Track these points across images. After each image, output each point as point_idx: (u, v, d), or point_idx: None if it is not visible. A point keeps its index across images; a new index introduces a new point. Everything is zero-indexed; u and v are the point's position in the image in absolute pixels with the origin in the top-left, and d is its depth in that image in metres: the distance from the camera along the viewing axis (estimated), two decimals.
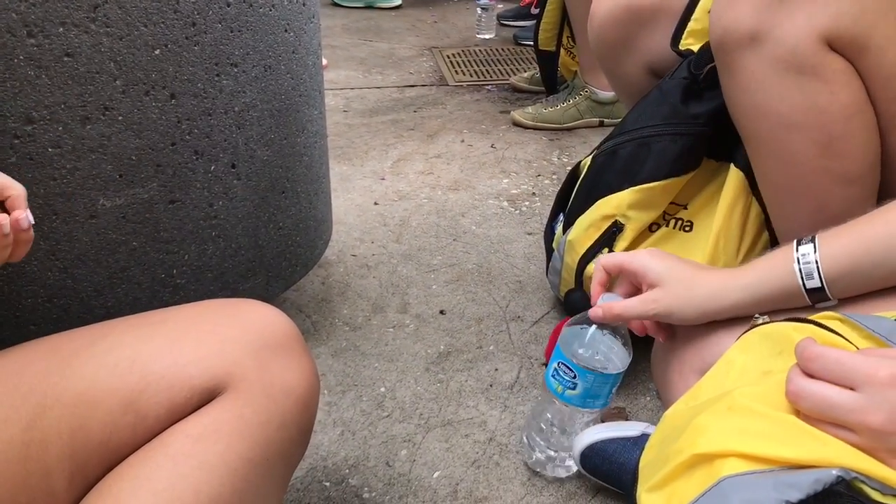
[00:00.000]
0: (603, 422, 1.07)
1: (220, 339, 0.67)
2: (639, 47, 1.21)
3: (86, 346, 0.66)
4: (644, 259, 0.83)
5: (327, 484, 1.03)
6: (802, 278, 0.73)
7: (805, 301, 0.74)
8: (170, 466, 0.59)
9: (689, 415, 0.56)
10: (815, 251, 0.73)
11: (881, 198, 0.93)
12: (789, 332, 0.59)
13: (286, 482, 0.70)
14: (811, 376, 0.49)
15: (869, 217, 0.73)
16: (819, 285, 0.73)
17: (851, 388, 0.47)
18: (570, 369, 0.91)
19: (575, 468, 1.01)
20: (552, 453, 1.01)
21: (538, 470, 1.02)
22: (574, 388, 0.92)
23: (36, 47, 0.84)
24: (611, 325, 0.90)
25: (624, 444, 0.96)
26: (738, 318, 0.77)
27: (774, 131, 0.88)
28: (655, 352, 0.90)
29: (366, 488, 1.02)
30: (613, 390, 0.94)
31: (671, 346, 0.86)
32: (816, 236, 0.74)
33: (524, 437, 1.05)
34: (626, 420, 1.11)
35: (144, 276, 1.02)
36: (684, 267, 0.82)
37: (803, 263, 0.73)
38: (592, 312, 0.86)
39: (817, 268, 0.73)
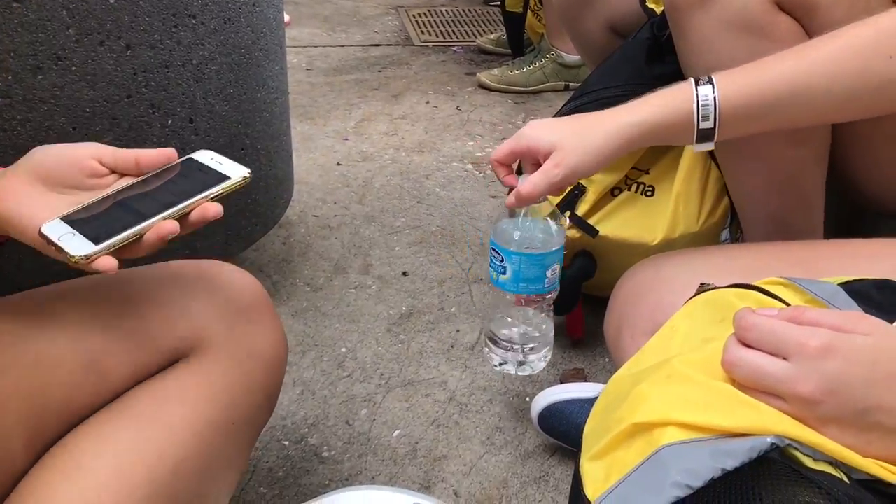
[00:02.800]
0: (562, 382, 1.08)
1: (188, 301, 0.65)
2: (600, 3, 1.21)
3: (48, 307, 0.64)
4: (529, 133, 0.81)
5: (286, 443, 1.03)
6: (699, 119, 0.74)
7: (691, 140, 0.76)
8: (133, 427, 0.58)
9: (632, 382, 0.57)
10: (713, 91, 0.74)
11: (832, 157, 0.94)
12: (731, 298, 0.59)
13: (251, 445, 0.70)
14: (747, 345, 0.50)
15: (762, 62, 0.74)
16: (711, 126, 0.74)
17: (785, 358, 0.48)
18: (498, 252, 0.89)
19: (542, 365, 0.99)
20: (510, 353, 0.99)
21: (508, 372, 1.01)
22: (505, 272, 0.90)
23: None
24: (537, 209, 0.89)
25: (581, 405, 0.97)
26: (690, 281, 0.77)
27: None
28: (608, 315, 0.91)
29: (325, 447, 1.02)
30: (551, 274, 0.91)
31: (623, 309, 0.86)
32: (714, 77, 0.75)
33: (484, 347, 1.03)
34: (585, 381, 1.13)
35: None
36: (572, 122, 0.81)
37: (702, 105, 0.74)
38: (507, 202, 0.85)
39: (715, 110, 0.73)
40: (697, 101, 0.74)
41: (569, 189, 1.13)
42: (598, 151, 0.77)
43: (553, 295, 0.93)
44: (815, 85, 0.72)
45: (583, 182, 1.12)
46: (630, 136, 0.77)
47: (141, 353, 0.62)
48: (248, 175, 0.61)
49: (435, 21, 2.85)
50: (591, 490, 0.53)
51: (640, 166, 1.15)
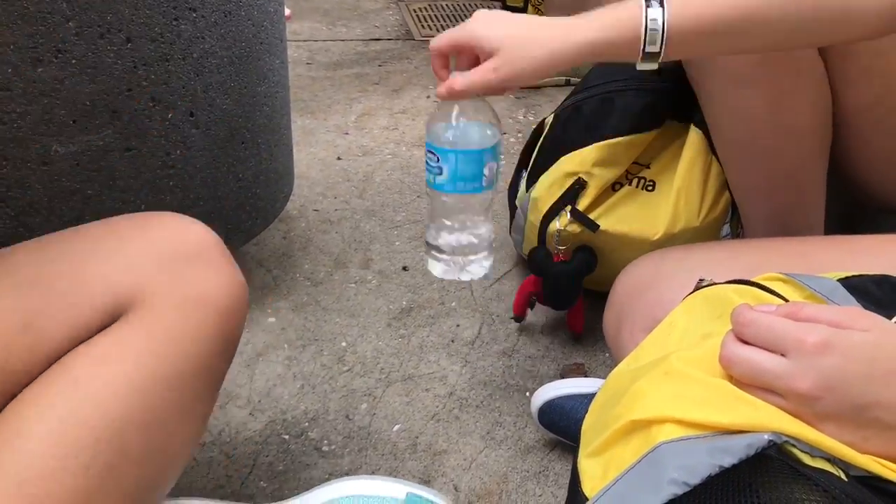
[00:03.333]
0: (562, 377, 1.08)
1: (125, 254, 0.63)
2: (598, 3, 1.20)
3: None
4: (476, 28, 0.80)
5: (287, 437, 1.03)
6: (645, 42, 0.73)
7: (635, 59, 0.75)
8: (72, 390, 0.57)
9: (630, 378, 0.57)
10: (663, 15, 0.73)
11: (833, 154, 0.94)
12: (730, 294, 0.59)
13: (211, 396, 0.68)
14: (745, 342, 0.50)
15: None
16: (657, 50, 0.74)
17: (782, 354, 0.48)
18: (434, 153, 0.88)
19: (483, 271, 0.97)
20: (451, 259, 0.97)
21: (448, 278, 0.99)
22: (441, 173, 0.88)
23: None
24: (472, 107, 0.87)
25: (581, 401, 0.97)
26: (690, 277, 0.77)
27: (725, 87, 0.89)
28: (607, 311, 0.91)
29: (325, 441, 1.02)
30: (488, 172, 0.89)
31: (622, 304, 0.86)
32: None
33: (425, 257, 1.01)
34: (585, 376, 1.13)
35: None
36: (520, 26, 0.79)
37: (650, 29, 0.73)
38: (437, 92, 0.84)
39: (662, 34, 0.73)
40: (646, 25, 0.73)
41: (570, 184, 1.13)
42: (538, 65, 0.77)
43: (490, 194, 0.91)
44: (768, 16, 0.72)
45: (583, 177, 1.12)
46: (574, 57, 0.76)
47: (76, 312, 0.60)
48: None
49: (436, 15, 2.85)
50: (588, 487, 0.53)
51: (641, 161, 1.15)
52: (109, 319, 0.61)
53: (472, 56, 0.82)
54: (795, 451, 0.47)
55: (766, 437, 0.46)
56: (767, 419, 0.47)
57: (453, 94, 0.81)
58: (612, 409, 0.55)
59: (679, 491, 0.46)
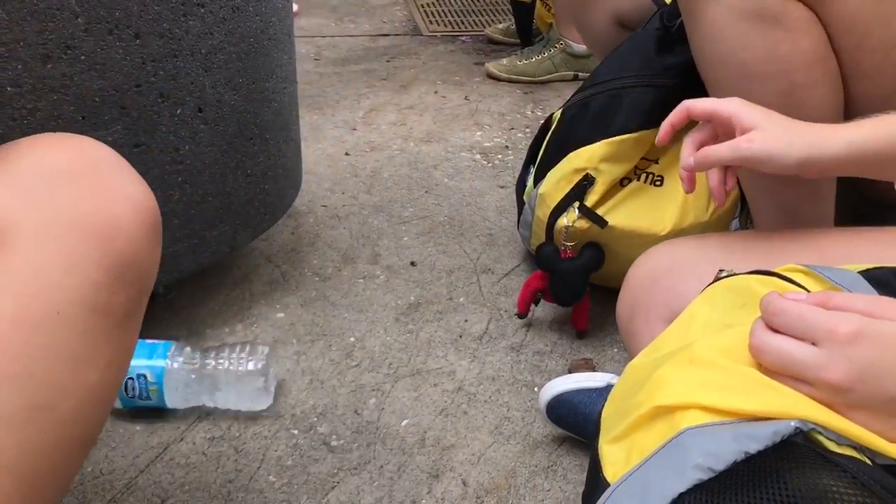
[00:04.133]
0: (570, 372, 1.08)
1: None
2: None
3: None
4: (738, 104, 0.75)
5: (295, 432, 1.03)
6: None
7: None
8: None
9: (651, 367, 0.57)
10: None
11: None
12: (753, 284, 0.59)
13: (112, 338, 0.57)
14: (775, 331, 0.50)
15: None
16: None
17: (813, 343, 0.47)
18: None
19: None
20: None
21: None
22: None
23: None
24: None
25: (589, 395, 0.97)
26: (706, 267, 0.76)
27: (737, 80, 0.88)
28: (621, 300, 0.90)
29: (334, 436, 1.03)
30: None
31: (637, 294, 0.86)
32: None
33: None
34: (593, 371, 1.13)
35: None
36: (781, 116, 0.75)
37: None
38: (684, 162, 0.79)
39: None
40: None
41: (577, 180, 1.13)
42: (793, 152, 0.71)
43: None
44: None
45: (591, 173, 1.12)
46: (832, 157, 0.70)
47: None
48: None
49: (443, 11, 2.85)
50: (610, 472, 0.53)
51: (650, 156, 1.15)
52: None
53: (719, 131, 0.78)
54: (822, 438, 0.46)
55: (792, 424, 0.45)
56: (794, 406, 0.47)
57: (702, 163, 0.76)
58: (633, 398, 0.55)
59: (704, 476, 0.45)
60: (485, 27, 2.64)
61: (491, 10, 2.89)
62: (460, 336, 1.21)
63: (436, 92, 2.12)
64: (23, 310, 0.51)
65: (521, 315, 1.21)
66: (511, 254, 1.41)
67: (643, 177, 1.15)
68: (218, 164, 1.09)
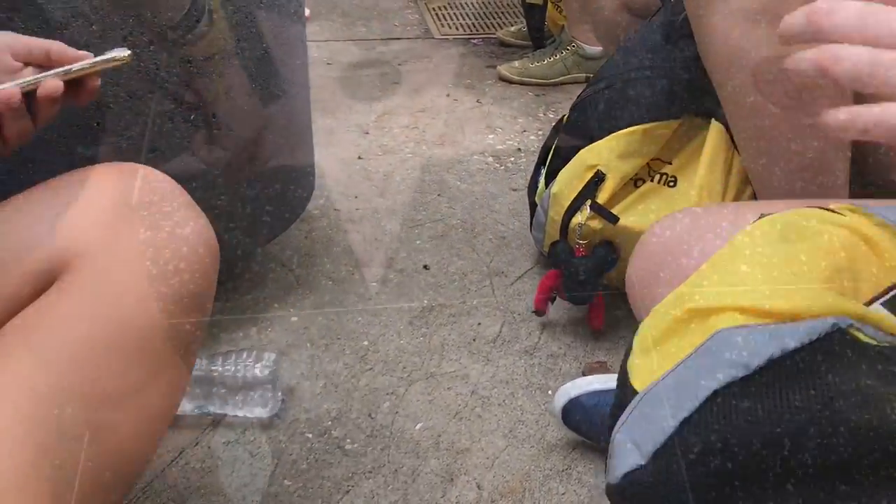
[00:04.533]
0: (584, 375, 1.08)
1: (60, 211, 0.56)
2: None
3: None
4: None
5: (310, 435, 1.03)
6: None
7: None
8: (1, 366, 0.52)
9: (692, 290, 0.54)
10: None
11: (854, 149, 0.93)
12: (796, 218, 0.56)
13: (178, 363, 0.60)
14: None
15: None
16: None
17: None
18: None
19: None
20: None
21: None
22: None
23: None
24: None
25: (604, 398, 0.97)
26: (728, 231, 0.70)
27: (744, 81, 0.88)
28: (634, 263, 0.86)
29: (348, 440, 1.03)
30: None
31: (652, 258, 0.83)
32: None
33: None
34: (608, 373, 1.12)
35: None
36: None
37: None
38: (834, 119, 0.66)
39: None
40: None
41: (589, 177, 1.13)
42: None
43: None
44: None
45: (602, 169, 1.11)
46: None
47: (7, 282, 0.54)
48: (125, 56, 0.62)
49: (455, 14, 2.85)
50: (638, 381, 0.50)
51: (663, 157, 1.14)
52: (44, 287, 0.55)
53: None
54: (860, 335, 0.45)
55: (830, 320, 0.44)
56: (832, 305, 0.45)
57: (857, 128, 0.63)
58: (669, 313, 0.52)
59: (738, 374, 0.44)
60: (496, 30, 2.64)
61: (503, 12, 2.89)
62: (474, 339, 1.21)
63: (448, 95, 2.12)
64: (94, 334, 0.53)
65: (539, 312, 1.21)
66: (524, 256, 1.41)
67: (657, 178, 1.14)
68: (231, 169, 1.09)
